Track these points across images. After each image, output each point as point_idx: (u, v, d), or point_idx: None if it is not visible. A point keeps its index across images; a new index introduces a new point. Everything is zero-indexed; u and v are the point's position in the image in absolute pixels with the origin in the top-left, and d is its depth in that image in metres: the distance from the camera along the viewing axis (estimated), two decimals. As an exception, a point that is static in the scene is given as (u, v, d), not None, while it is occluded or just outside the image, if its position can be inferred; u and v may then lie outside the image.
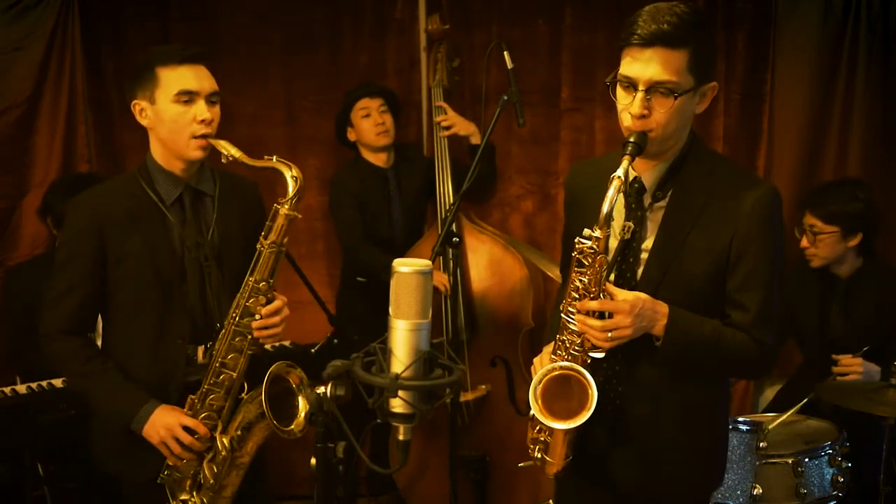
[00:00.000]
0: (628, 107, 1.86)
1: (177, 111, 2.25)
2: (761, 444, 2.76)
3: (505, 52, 3.31)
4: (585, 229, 1.86)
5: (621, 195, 1.97)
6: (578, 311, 1.90)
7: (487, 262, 3.57)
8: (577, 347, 1.93)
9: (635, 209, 1.98)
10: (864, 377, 3.09)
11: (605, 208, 1.81)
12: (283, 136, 3.94)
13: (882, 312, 3.23)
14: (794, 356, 3.67)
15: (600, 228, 1.84)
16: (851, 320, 3.29)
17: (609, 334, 1.87)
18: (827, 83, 3.71)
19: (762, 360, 1.98)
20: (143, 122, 2.33)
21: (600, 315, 1.89)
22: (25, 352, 3.35)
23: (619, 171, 1.81)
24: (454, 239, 2.81)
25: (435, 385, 1.60)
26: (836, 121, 3.73)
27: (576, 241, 1.88)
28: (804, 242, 3.29)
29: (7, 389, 2.95)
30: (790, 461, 2.77)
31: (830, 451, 2.83)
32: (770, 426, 2.82)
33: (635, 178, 1.96)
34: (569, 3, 3.80)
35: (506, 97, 3.05)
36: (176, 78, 2.25)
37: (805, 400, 2.96)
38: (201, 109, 2.25)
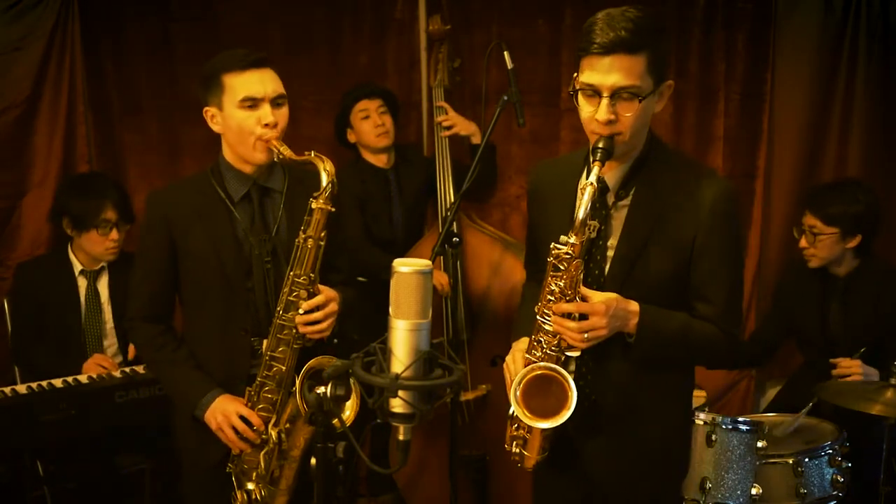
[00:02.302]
0: (594, 114, 1.92)
1: (242, 116, 2.33)
2: (761, 444, 2.76)
3: (505, 52, 3.31)
4: (562, 236, 1.93)
5: None
6: (554, 314, 1.95)
7: (487, 262, 3.57)
8: (553, 347, 1.99)
9: (599, 208, 2.03)
10: (864, 379, 3.09)
11: (580, 214, 1.88)
12: (283, 137, 3.92)
13: (880, 311, 3.23)
14: (795, 356, 3.67)
15: (575, 234, 1.90)
16: (850, 319, 3.29)
17: (585, 335, 1.93)
18: (827, 83, 3.71)
19: (730, 349, 2.07)
20: (215, 128, 2.41)
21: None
22: (30, 348, 3.36)
23: (592, 178, 1.89)
24: (454, 239, 2.80)
25: (435, 385, 1.60)
26: (836, 121, 3.73)
27: (552, 246, 1.95)
28: (803, 242, 3.29)
29: (7, 389, 2.94)
30: (790, 461, 2.77)
31: (830, 451, 2.83)
32: (774, 429, 2.82)
33: (598, 178, 2.00)
34: (569, 3, 3.80)
35: (506, 97, 3.04)
36: (240, 84, 2.32)
37: (810, 405, 2.97)
38: (266, 113, 2.34)
